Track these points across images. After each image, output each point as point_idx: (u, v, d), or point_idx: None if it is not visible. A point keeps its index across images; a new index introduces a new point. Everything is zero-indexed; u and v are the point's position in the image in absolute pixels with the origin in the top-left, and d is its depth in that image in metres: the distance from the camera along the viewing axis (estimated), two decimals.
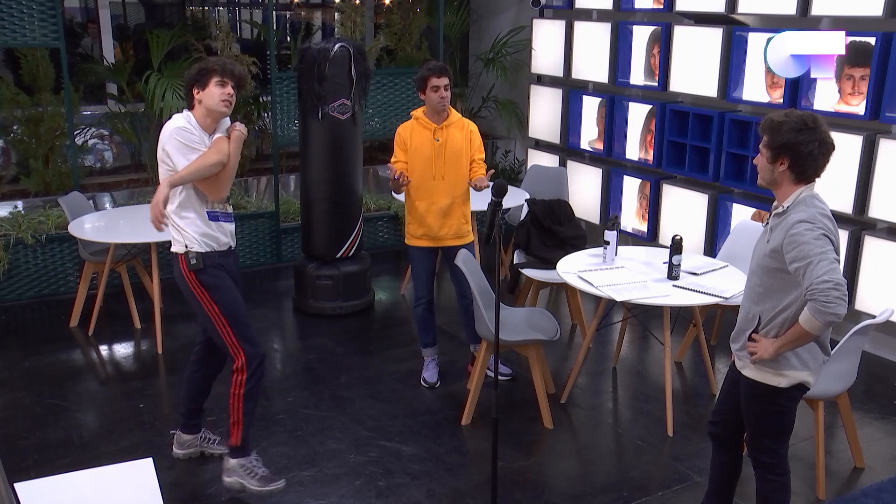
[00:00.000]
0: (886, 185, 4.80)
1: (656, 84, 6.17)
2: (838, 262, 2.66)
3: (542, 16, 7.32)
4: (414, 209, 4.43)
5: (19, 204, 6.20)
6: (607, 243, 4.47)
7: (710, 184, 5.93)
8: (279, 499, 3.64)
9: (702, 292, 4.07)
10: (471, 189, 4.48)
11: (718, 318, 5.25)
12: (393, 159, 4.44)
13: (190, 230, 3.47)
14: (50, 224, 5.84)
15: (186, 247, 3.48)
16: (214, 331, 3.53)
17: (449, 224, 4.44)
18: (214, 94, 3.41)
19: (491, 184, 3.29)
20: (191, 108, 3.50)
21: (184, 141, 3.39)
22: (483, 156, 4.50)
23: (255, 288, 6.27)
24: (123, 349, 5.22)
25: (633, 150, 6.48)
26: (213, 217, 3.50)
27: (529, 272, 5.13)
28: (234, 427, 3.56)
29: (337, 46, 5.26)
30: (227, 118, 3.59)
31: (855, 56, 4.84)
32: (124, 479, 2.62)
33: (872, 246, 4.91)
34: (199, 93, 3.43)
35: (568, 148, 7.17)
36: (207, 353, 3.75)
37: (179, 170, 3.37)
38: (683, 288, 4.13)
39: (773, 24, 5.41)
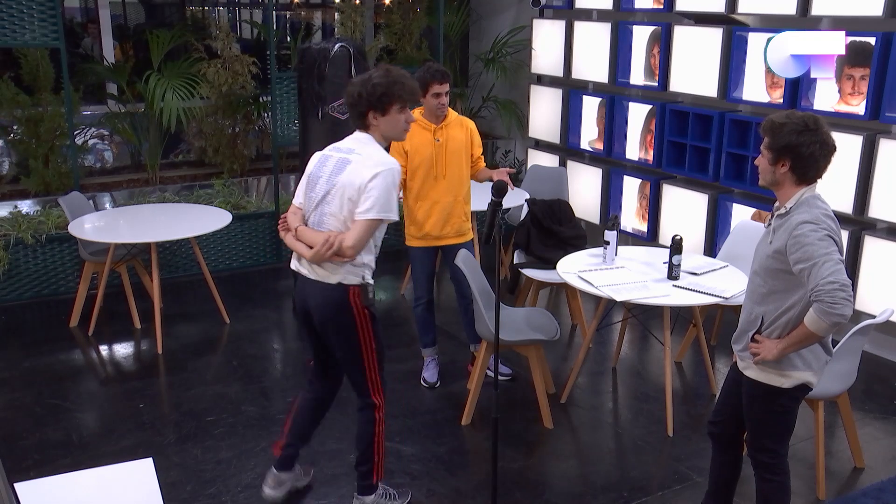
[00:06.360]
0: (886, 185, 4.80)
1: (656, 84, 6.17)
2: (843, 262, 2.66)
3: (542, 16, 7.32)
4: (416, 210, 4.43)
5: (19, 204, 6.19)
6: (607, 243, 4.47)
7: (710, 184, 5.93)
8: (279, 499, 3.64)
9: (702, 292, 4.07)
10: (471, 187, 4.50)
11: (718, 318, 5.25)
12: None
13: (367, 259, 3.19)
14: (50, 224, 5.84)
15: (364, 278, 3.18)
16: (359, 368, 3.25)
17: (451, 223, 4.44)
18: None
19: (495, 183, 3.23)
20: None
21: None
22: (482, 150, 4.55)
23: (255, 288, 6.27)
24: (123, 349, 5.22)
25: (633, 150, 6.48)
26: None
27: (529, 272, 5.13)
28: (379, 465, 3.38)
29: (337, 46, 5.26)
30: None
31: (855, 56, 4.84)
32: (124, 479, 2.62)
33: (872, 246, 4.91)
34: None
35: (568, 148, 7.17)
36: (327, 397, 3.54)
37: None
38: (683, 288, 4.13)
39: (773, 24, 5.41)
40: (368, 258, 3.19)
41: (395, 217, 3.07)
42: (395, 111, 3.12)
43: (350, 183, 3.06)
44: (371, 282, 3.20)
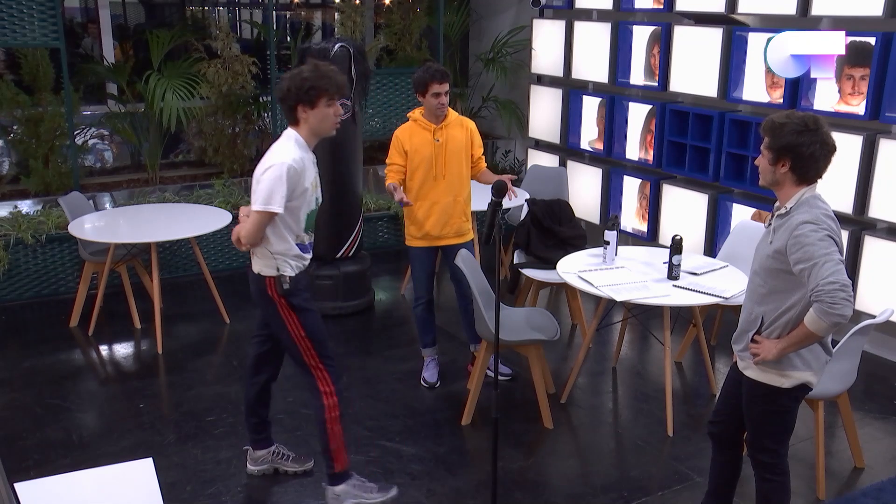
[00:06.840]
0: (886, 185, 4.81)
1: (656, 84, 6.17)
2: (843, 263, 2.66)
3: (542, 16, 7.33)
4: (415, 210, 4.42)
5: (19, 204, 6.19)
6: (607, 243, 4.47)
7: (710, 184, 5.93)
8: (279, 498, 3.64)
9: (702, 292, 4.07)
10: (471, 187, 4.50)
11: (718, 318, 5.25)
12: (388, 161, 4.42)
13: (281, 249, 3.32)
14: (50, 224, 5.84)
15: (279, 269, 3.33)
16: (297, 354, 3.41)
17: (451, 223, 4.44)
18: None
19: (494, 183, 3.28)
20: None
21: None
22: (482, 150, 4.55)
23: None
24: (123, 349, 5.22)
25: (633, 150, 6.48)
26: (302, 248, 3.40)
27: (529, 272, 5.13)
28: (338, 452, 3.46)
29: (337, 46, 5.26)
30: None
31: (855, 56, 4.84)
32: (124, 479, 2.62)
33: (872, 246, 4.91)
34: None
35: (568, 148, 7.17)
36: (261, 360, 3.66)
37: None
38: (683, 288, 4.13)
39: (773, 24, 5.41)
40: (283, 247, 3.31)
41: (274, 209, 3.18)
42: (323, 104, 3.24)
43: (254, 178, 3.28)
44: (288, 273, 3.32)
